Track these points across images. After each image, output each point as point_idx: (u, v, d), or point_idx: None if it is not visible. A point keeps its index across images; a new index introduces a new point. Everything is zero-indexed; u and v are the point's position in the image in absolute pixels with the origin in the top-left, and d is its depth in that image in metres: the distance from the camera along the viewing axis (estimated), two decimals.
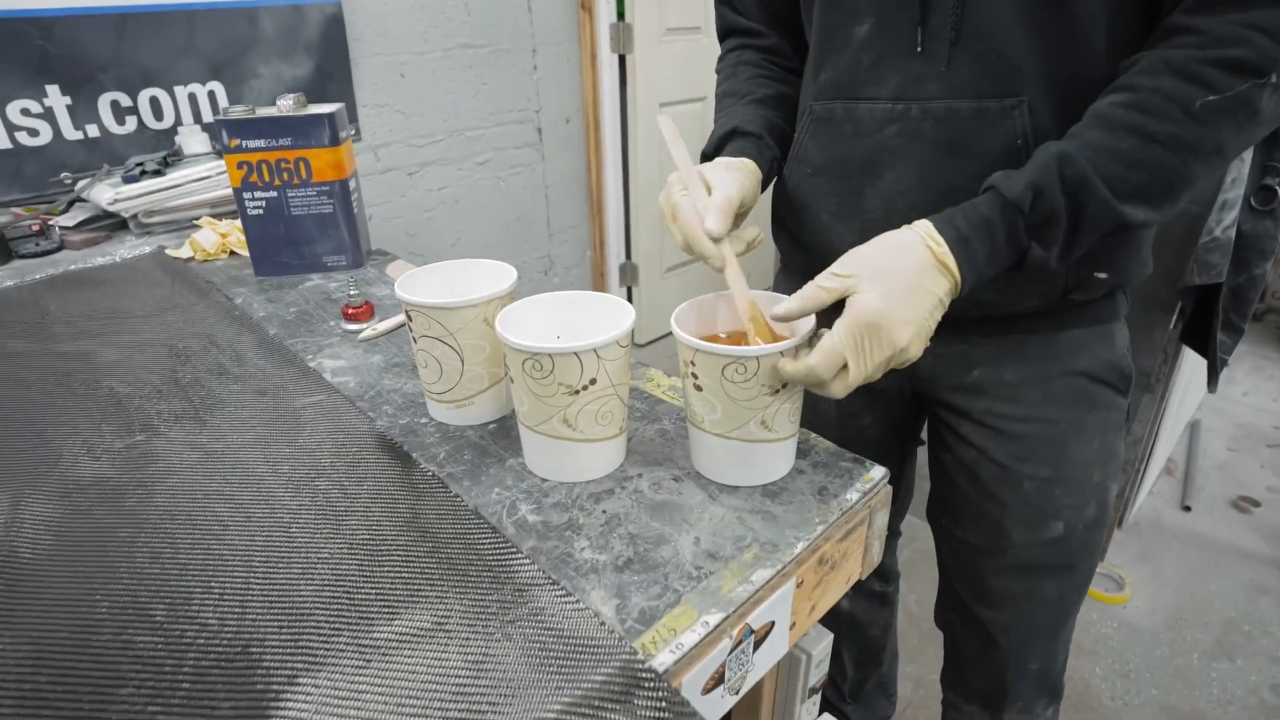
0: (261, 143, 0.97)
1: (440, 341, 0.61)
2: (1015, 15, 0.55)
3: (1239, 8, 0.49)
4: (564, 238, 2.34)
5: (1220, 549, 1.61)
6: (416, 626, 0.45)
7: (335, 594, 0.47)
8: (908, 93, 0.60)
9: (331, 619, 0.45)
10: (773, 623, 0.50)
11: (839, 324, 0.50)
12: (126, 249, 1.18)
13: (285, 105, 0.97)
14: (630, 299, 2.53)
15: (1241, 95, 0.49)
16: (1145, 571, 1.55)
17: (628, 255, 2.47)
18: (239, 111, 0.97)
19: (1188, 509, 1.72)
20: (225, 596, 0.47)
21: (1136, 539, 1.64)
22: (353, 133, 1.75)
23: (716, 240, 0.57)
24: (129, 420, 0.68)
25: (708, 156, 0.69)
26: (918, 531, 0.80)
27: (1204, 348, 1.25)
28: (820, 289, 0.52)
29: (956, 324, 0.65)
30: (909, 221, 0.61)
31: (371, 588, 0.48)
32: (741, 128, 0.68)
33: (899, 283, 0.50)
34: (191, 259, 1.13)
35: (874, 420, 0.78)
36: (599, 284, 2.47)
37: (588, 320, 0.61)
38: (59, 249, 1.22)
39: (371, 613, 0.46)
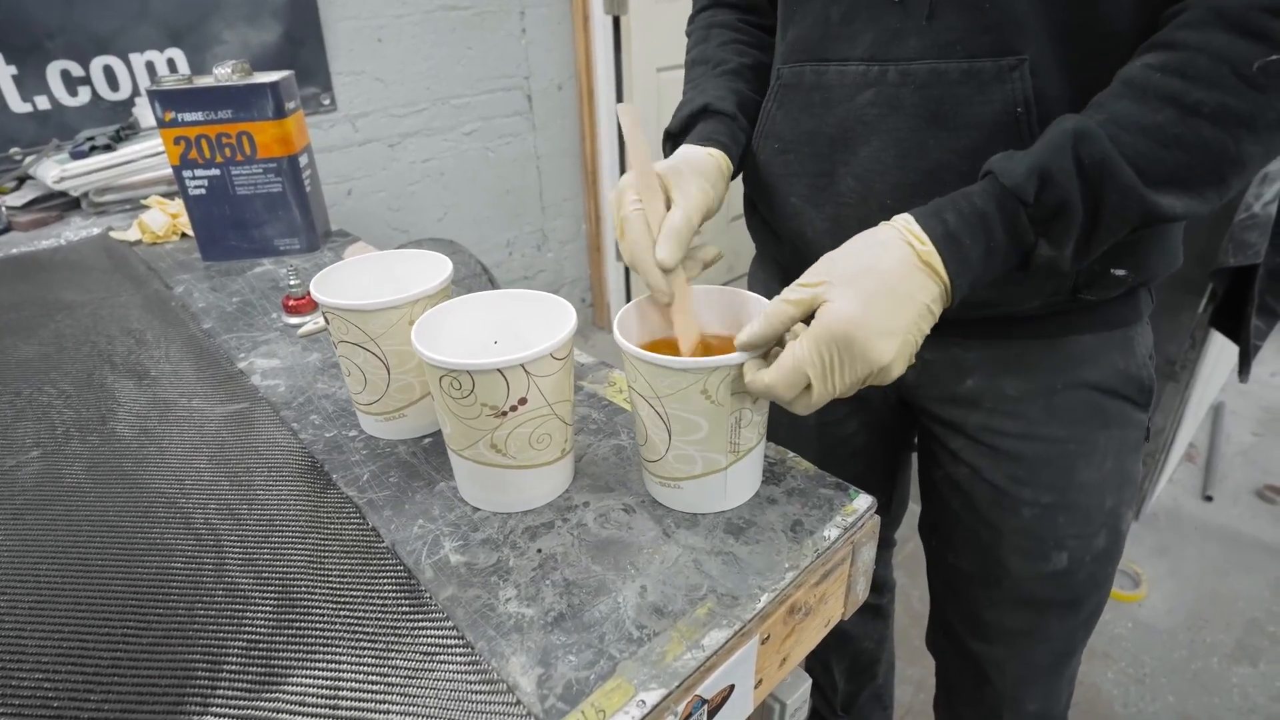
0: (199, 115, 0.89)
1: (361, 348, 0.53)
2: None
3: None
4: (558, 211, 2.24)
5: (1244, 542, 1.52)
6: (303, 697, 0.38)
7: (211, 652, 0.40)
8: (884, 52, 0.50)
9: (206, 686, 0.38)
10: (731, 686, 0.43)
11: (805, 335, 0.42)
12: (73, 231, 1.11)
13: (223, 74, 0.88)
14: (628, 275, 2.43)
15: None
16: (1163, 567, 1.47)
17: None
18: (173, 81, 0.88)
19: (1209, 499, 1.63)
20: (84, 659, 0.40)
21: (1154, 531, 1.55)
22: (326, 103, 1.65)
23: (668, 270, 0.48)
24: (26, 432, 0.61)
25: (672, 135, 0.60)
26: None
27: (1236, 333, 1.15)
28: (786, 304, 0.43)
29: (947, 326, 0.55)
30: (887, 206, 0.51)
31: (259, 645, 0.41)
32: (713, 105, 0.58)
33: (877, 286, 0.41)
34: (139, 242, 1.05)
35: (859, 427, 0.70)
36: (595, 259, 2.38)
37: (530, 322, 0.53)
38: (6, 230, 1.15)
39: (256, 677, 0.39)
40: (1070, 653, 0.67)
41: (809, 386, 0.42)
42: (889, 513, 0.81)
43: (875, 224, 0.49)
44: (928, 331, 0.43)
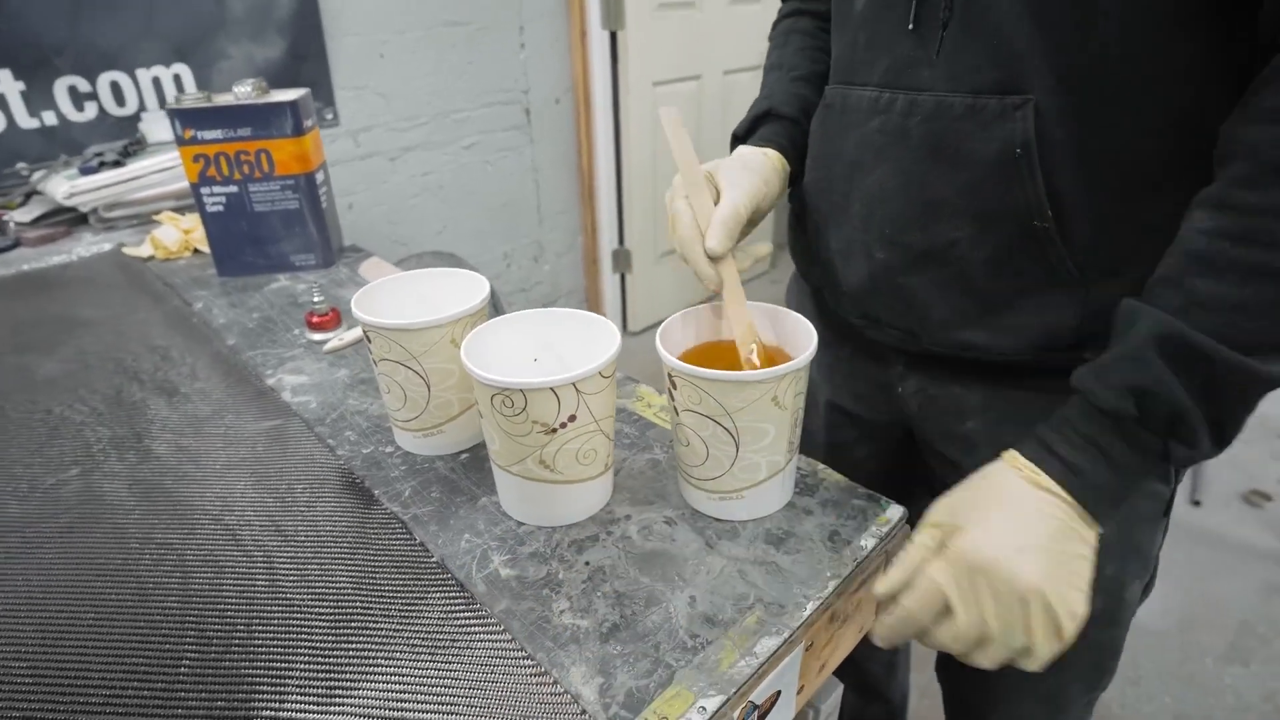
0: (218, 133, 0.90)
1: (403, 365, 0.55)
2: None
3: None
4: (554, 223, 2.26)
5: (1231, 546, 1.56)
6: (370, 707, 0.39)
7: (275, 666, 0.41)
8: (896, 80, 0.51)
9: (274, 700, 0.39)
10: (778, 693, 0.44)
11: (938, 559, 0.42)
12: (84, 247, 1.11)
13: (243, 92, 0.89)
14: (624, 286, 2.45)
15: None
16: None
17: (620, 240, 2.39)
18: (192, 99, 0.89)
19: (1197, 504, 1.67)
20: (149, 675, 0.41)
21: None
22: (329, 118, 1.66)
23: (717, 259, 0.50)
24: (63, 450, 0.61)
25: (738, 138, 0.62)
26: None
27: None
28: (919, 547, 0.44)
29: (947, 362, 0.56)
30: (885, 236, 0.52)
31: (321, 658, 0.42)
32: (777, 109, 0.60)
33: (1001, 511, 0.42)
34: (152, 258, 1.05)
35: (869, 454, 0.70)
36: (591, 270, 2.40)
37: (568, 340, 0.54)
38: (14, 246, 1.14)
39: (323, 688, 0.40)
40: (1062, 710, 0.65)
41: (949, 611, 0.42)
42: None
43: (875, 253, 0.50)
44: (1088, 557, 0.42)
